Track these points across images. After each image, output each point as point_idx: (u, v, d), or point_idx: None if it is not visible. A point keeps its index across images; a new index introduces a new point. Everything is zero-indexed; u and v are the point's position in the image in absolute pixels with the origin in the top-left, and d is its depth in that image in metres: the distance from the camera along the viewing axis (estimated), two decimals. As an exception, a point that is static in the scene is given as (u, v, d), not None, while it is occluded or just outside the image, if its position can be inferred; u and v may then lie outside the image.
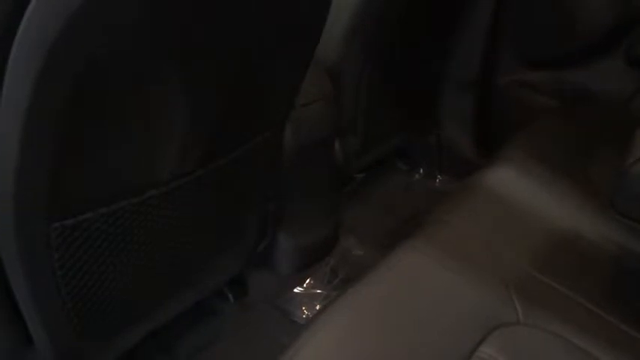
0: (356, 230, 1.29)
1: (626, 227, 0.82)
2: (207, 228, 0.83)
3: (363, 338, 0.66)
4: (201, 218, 0.80)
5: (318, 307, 1.11)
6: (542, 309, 0.72)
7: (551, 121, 1.23)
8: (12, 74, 0.48)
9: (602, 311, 0.75)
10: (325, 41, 0.79)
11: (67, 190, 0.58)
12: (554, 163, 1.00)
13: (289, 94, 0.84)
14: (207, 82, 0.64)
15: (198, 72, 0.62)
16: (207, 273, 0.89)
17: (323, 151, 1.12)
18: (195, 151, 0.70)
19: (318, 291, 1.15)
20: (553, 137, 1.12)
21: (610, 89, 1.36)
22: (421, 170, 1.55)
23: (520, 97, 1.46)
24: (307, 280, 1.17)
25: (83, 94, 0.51)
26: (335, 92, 1.09)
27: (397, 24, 1.17)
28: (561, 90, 1.42)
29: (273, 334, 1.02)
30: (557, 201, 0.93)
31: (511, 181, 0.96)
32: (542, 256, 0.83)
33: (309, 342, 0.65)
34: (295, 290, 1.15)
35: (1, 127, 0.50)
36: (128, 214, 0.66)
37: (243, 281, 1.09)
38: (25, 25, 0.46)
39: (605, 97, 1.35)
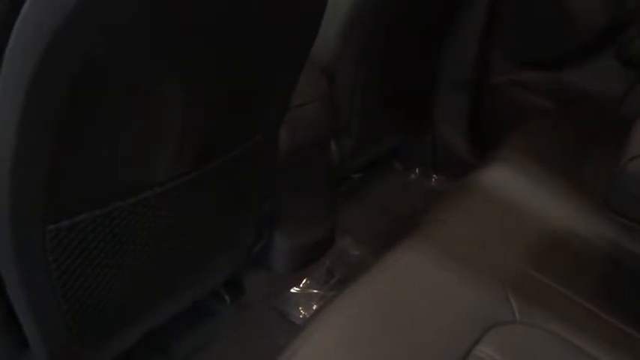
0: (352, 230, 1.29)
1: (621, 226, 0.83)
2: (204, 228, 0.83)
3: (360, 338, 0.66)
4: (197, 219, 0.79)
5: (314, 307, 1.11)
6: (539, 307, 0.72)
7: (545, 120, 1.23)
8: (7, 74, 0.47)
9: (598, 309, 0.75)
10: (320, 42, 0.79)
11: (63, 190, 0.57)
12: (549, 163, 1.01)
13: (286, 94, 0.84)
14: (205, 81, 0.64)
15: (196, 72, 0.62)
16: (203, 273, 0.89)
17: (319, 151, 1.12)
18: (191, 152, 0.70)
19: (315, 291, 1.15)
20: (548, 137, 1.13)
21: (604, 89, 1.36)
22: (417, 170, 1.55)
23: (514, 97, 1.47)
24: (304, 281, 1.17)
25: (79, 94, 0.51)
26: (330, 93, 1.10)
27: (392, 24, 1.17)
28: (555, 90, 1.43)
29: (270, 335, 1.02)
30: (552, 200, 0.93)
31: (507, 180, 0.96)
32: (538, 254, 0.83)
33: (306, 342, 0.64)
34: (292, 290, 1.15)
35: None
36: (124, 215, 0.66)
37: (239, 282, 1.09)
38: (20, 25, 0.45)
39: (599, 97, 1.36)
